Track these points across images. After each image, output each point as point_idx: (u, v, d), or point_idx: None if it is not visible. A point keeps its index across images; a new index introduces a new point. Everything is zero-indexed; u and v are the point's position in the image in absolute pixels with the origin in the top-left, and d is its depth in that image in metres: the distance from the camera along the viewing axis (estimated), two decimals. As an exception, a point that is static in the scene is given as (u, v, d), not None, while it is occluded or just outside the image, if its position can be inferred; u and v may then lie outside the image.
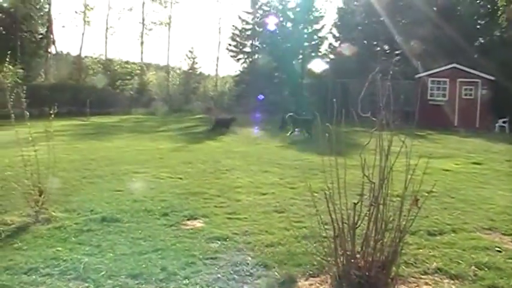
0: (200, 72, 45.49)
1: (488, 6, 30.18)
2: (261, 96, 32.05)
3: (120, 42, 78.71)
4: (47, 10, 38.49)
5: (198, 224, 5.69)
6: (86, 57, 40.76)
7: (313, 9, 37.24)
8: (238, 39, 39.93)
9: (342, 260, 3.80)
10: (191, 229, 5.43)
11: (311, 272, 4.17)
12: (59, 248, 4.66)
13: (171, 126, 22.70)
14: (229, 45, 40.26)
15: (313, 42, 37.47)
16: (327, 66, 30.39)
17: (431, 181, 5.83)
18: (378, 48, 34.12)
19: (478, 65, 24.36)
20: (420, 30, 28.25)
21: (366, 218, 3.77)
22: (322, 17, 37.67)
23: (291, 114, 17.23)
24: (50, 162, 5.92)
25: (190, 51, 44.61)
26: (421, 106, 21.79)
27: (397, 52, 32.33)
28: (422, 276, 4.14)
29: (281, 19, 37.76)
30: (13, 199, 6.49)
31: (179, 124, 24.26)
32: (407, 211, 3.91)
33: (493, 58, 25.29)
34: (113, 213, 5.96)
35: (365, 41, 34.29)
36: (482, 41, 30.21)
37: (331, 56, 36.91)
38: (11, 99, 6.17)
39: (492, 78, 23.23)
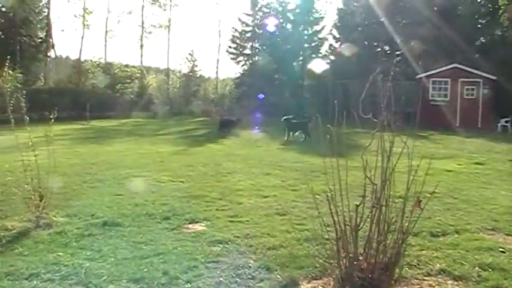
0: (200, 75, 45.50)
1: (489, 5, 30.16)
2: (261, 96, 32.05)
3: (120, 45, 78.90)
4: (46, 14, 38.56)
5: (199, 227, 5.69)
6: (85, 61, 40.77)
7: (313, 10, 37.25)
8: (238, 41, 39.94)
9: (344, 262, 3.80)
10: (193, 233, 5.43)
11: (313, 275, 4.17)
12: (60, 253, 4.66)
13: (172, 130, 22.72)
14: (229, 47, 40.30)
15: (313, 44, 37.47)
16: (327, 67, 30.38)
17: (434, 182, 5.84)
18: (379, 49, 34.09)
19: (480, 64, 24.34)
20: (421, 31, 28.24)
21: (368, 219, 3.77)
22: (322, 18, 37.71)
23: (286, 117, 17.21)
24: (50, 166, 5.93)
25: (190, 54, 44.64)
26: (422, 107, 21.74)
27: (397, 53, 32.34)
28: (426, 278, 4.13)
29: (281, 21, 37.77)
30: (13, 204, 6.49)
31: (180, 127, 24.27)
32: (410, 212, 3.91)
33: (495, 57, 25.28)
34: (114, 217, 5.96)
35: (365, 42, 34.27)
36: (484, 41, 30.19)
37: (332, 57, 36.93)
38: (11, 104, 6.17)
39: (494, 77, 23.22)
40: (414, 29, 29.00)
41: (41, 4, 38.48)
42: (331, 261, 3.96)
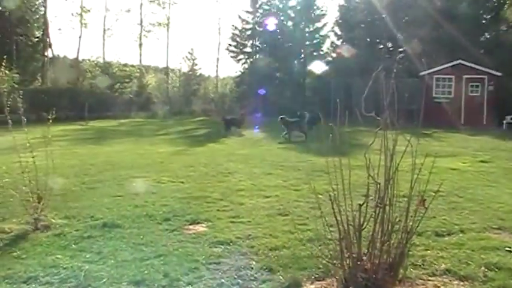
0: (200, 74, 45.54)
1: (494, 0, 30.13)
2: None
3: (118, 44, 78.88)
4: (42, 13, 38.54)
5: (200, 228, 5.69)
6: (83, 60, 40.81)
7: (314, 7, 37.19)
8: (238, 39, 39.90)
9: (348, 262, 3.80)
10: (194, 234, 5.44)
11: (316, 276, 4.17)
12: (59, 256, 4.66)
13: (172, 129, 22.72)
14: (230, 45, 40.25)
15: (314, 41, 37.40)
16: (326, 68, 30.30)
17: (438, 180, 5.82)
18: (381, 46, 34.11)
19: (484, 60, 24.30)
20: (424, 27, 28.21)
21: (372, 219, 3.77)
22: (323, 15, 37.61)
23: (283, 116, 17.34)
24: (49, 168, 5.94)
25: (189, 53, 44.70)
26: (426, 104, 21.60)
27: (400, 50, 32.34)
28: (431, 278, 4.13)
29: (282, 18, 37.74)
30: (11, 206, 6.50)
31: (180, 127, 24.29)
32: (414, 212, 3.91)
33: (500, 53, 25.24)
34: (114, 219, 5.96)
35: (368, 39, 34.24)
36: (488, 36, 30.14)
37: (333, 55, 36.89)
38: (8, 105, 6.18)
39: (499, 74, 23.18)
40: (417, 26, 28.96)
41: (37, 3, 38.41)
42: (335, 261, 3.96)
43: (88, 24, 41.33)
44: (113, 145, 15.26)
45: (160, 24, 43.81)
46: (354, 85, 24.10)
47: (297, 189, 7.86)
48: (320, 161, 9.59)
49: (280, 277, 4.14)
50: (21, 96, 6.25)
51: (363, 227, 3.74)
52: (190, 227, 5.74)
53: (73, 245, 5.02)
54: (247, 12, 39.20)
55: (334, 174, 3.82)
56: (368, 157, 3.69)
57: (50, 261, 4.53)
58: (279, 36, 37.20)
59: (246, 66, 39.61)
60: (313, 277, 4.15)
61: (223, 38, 54.79)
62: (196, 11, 74.11)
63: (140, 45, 43.34)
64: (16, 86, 25.24)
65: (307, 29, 37.21)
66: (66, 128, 21.08)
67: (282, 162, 10.85)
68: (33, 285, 4.01)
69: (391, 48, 34.04)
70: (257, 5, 38.86)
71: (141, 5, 43.15)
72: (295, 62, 36.41)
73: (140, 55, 44.32)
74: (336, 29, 36.81)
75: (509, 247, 4.87)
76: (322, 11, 37.61)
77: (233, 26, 39.96)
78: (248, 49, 39.84)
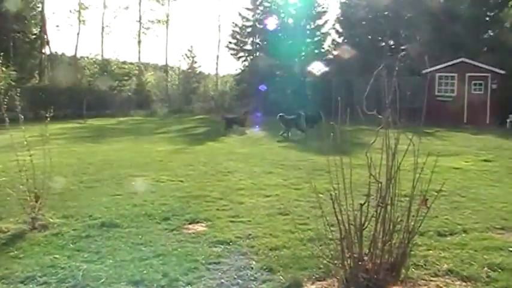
0: (200, 72, 45.52)
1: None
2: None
3: (117, 42, 78.91)
4: (39, 9, 38.49)
5: (200, 228, 5.69)
6: (81, 57, 40.81)
7: (315, 4, 37.15)
8: (238, 36, 39.86)
9: (349, 262, 3.80)
10: (193, 233, 5.44)
11: (317, 276, 4.17)
12: (57, 256, 4.67)
13: (171, 128, 22.73)
14: (230, 43, 40.21)
15: (315, 39, 37.38)
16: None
17: (441, 180, 5.82)
18: (383, 44, 34.07)
19: (488, 58, 24.25)
20: (426, 24, 28.18)
21: (373, 219, 3.77)
22: (324, 12, 37.58)
23: (281, 114, 17.49)
24: (46, 166, 5.94)
25: (189, 50, 44.68)
26: (428, 103, 21.59)
27: (402, 47, 32.33)
28: (433, 279, 4.13)
29: (282, 15, 37.70)
30: (8, 206, 6.49)
31: (179, 125, 24.30)
32: (416, 211, 3.91)
33: (504, 51, 25.14)
34: (112, 218, 5.97)
35: (369, 36, 34.21)
36: (492, 34, 30.08)
37: (334, 53, 36.85)
38: (5, 103, 6.17)
39: (502, 72, 23.14)
40: (419, 23, 28.95)
41: (35, -1, 38.42)
42: (335, 261, 3.96)
43: (86, 21, 41.38)
44: (112, 143, 15.27)
45: (159, 21, 43.83)
46: (355, 83, 24.09)
47: (298, 188, 7.86)
48: (321, 160, 9.59)
49: (281, 277, 4.14)
50: (18, 94, 6.24)
51: (364, 226, 3.74)
52: (190, 226, 5.75)
53: (71, 245, 5.02)
54: (248, 9, 39.16)
55: (335, 173, 3.82)
56: (369, 156, 3.70)
57: (47, 261, 4.53)
58: (280, 34, 37.16)
59: (246, 64, 39.58)
60: (313, 277, 4.15)
61: (223, 35, 54.87)
62: (195, 8, 74.13)
63: (139, 42, 43.36)
64: (13, 83, 25.15)
65: (308, 27, 37.19)
66: (64, 126, 21.07)
67: (282, 161, 10.85)
68: (31, 286, 4.01)
69: (393, 46, 34.02)
70: (257, 2, 38.79)
71: (140, 1, 43.20)
72: (296, 59, 36.36)
73: (139, 52, 44.07)
74: (337, 27, 36.78)
75: (513, 247, 4.87)
76: (323, 8, 37.61)
77: (233, 23, 39.97)
78: (248, 46, 39.81)
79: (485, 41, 29.36)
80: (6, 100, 6.20)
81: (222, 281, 4.09)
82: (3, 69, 26.33)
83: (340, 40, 36.45)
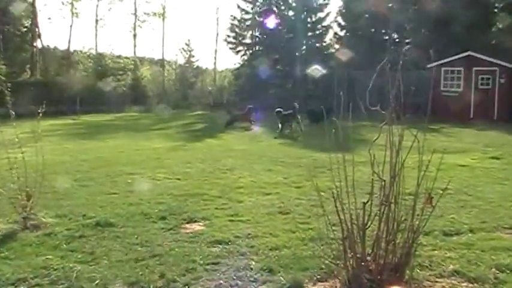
0: (197, 66, 45.49)
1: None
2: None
3: (112, 35, 78.63)
4: (31, 1, 38.36)
5: (198, 227, 5.70)
6: (75, 51, 40.70)
7: (317, -5, 37.09)
8: (237, 30, 39.79)
9: (351, 263, 3.81)
10: (191, 233, 5.45)
11: (319, 277, 4.17)
12: (50, 256, 4.67)
13: (168, 124, 22.71)
14: (228, 36, 40.12)
15: (317, 32, 37.33)
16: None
17: (446, 178, 5.83)
18: (386, 37, 34.00)
19: (496, 52, 24.17)
20: (432, 16, 28.11)
21: (377, 218, 3.78)
22: (326, 4, 37.44)
23: (279, 110, 17.71)
24: (38, 164, 5.92)
25: (186, 44, 44.62)
26: (433, 98, 21.58)
27: (407, 41, 32.26)
28: (438, 280, 4.13)
29: (282, 8, 37.64)
30: (-1, 205, 6.50)
31: (176, 121, 24.27)
32: (421, 210, 3.91)
33: (512, 44, 25.09)
34: (107, 217, 5.97)
35: (372, 30, 34.15)
36: (500, 26, 30.04)
37: (336, 46, 36.80)
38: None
39: (511, 66, 23.10)
40: (425, 15, 28.88)
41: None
42: (338, 262, 3.97)
43: (79, 13, 41.13)
44: (106, 140, 15.26)
45: (155, 14, 43.70)
46: (357, 78, 24.06)
47: (299, 186, 7.87)
48: (322, 157, 9.60)
49: (281, 278, 4.15)
50: (9, 89, 6.26)
51: (367, 226, 3.74)
52: (187, 225, 5.76)
53: (64, 245, 5.03)
54: (247, 1, 39.06)
55: (337, 170, 3.83)
56: (372, 153, 3.69)
57: (39, 262, 4.53)
58: (280, 27, 37.11)
59: (245, 58, 39.53)
60: (315, 278, 4.16)
61: (221, 28, 54.72)
62: (193, 0, 73.85)
63: (134, 36, 43.22)
64: (3, 78, 25.13)
65: (309, 19, 37.11)
66: (56, 123, 21.07)
67: (282, 158, 10.86)
68: None
69: (397, 39, 33.95)
70: (257, -6, 38.71)
71: (135, -6, 43.03)
72: (297, 53, 36.31)
73: (134, 46, 44.00)
74: (339, 19, 36.70)
75: (521, 247, 4.88)
76: (324, 0, 37.53)
77: (232, 16, 39.84)
78: (247, 40, 39.74)
79: (493, 33, 29.30)
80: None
81: (221, 282, 4.10)
82: (-7, 63, 26.32)
83: (342, 33, 36.42)
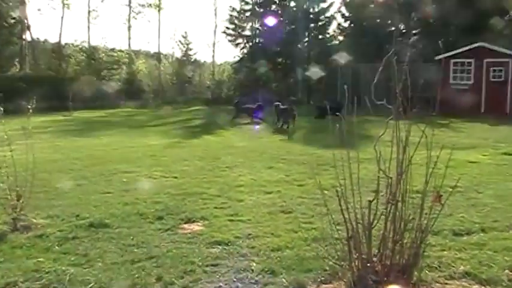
0: (195, 60, 45.50)
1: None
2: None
3: (105, 27, 78.72)
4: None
5: (196, 227, 5.70)
6: (66, 44, 40.65)
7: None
8: (236, 21, 39.74)
9: (356, 264, 3.81)
10: (189, 233, 5.45)
11: (322, 278, 4.17)
12: (41, 259, 4.67)
13: (164, 120, 22.73)
14: (227, 28, 40.08)
15: (319, 23, 37.28)
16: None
17: (456, 175, 5.84)
18: (393, 28, 33.95)
19: (509, 42, 24.08)
20: (440, 6, 28.06)
21: (383, 217, 3.77)
22: (329, -7, 37.47)
23: (277, 103, 18.22)
24: (29, 162, 5.93)
25: (183, 36, 44.59)
26: (442, 91, 21.65)
27: (414, 31, 32.22)
28: (448, 282, 4.13)
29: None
30: (-13, 205, 6.50)
31: (173, 117, 24.29)
32: (429, 209, 3.91)
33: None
34: (102, 218, 5.97)
35: (378, 20, 34.09)
36: (513, 14, 29.99)
37: (340, 38, 36.77)
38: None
39: (525, 57, 23.04)
40: (433, 4, 28.81)
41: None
42: (342, 263, 3.97)
43: (71, 4, 41.04)
44: (100, 137, 15.27)
45: (150, 5, 43.65)
46: (362, 71, 24.05)
47: (301, 184, 7.88)
48: (326, 154, 9.61)
49: (283, 280, 4.15)
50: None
51: (373, 225, 3.74)
52: (185, 226, 5.76)
53: (56, 247, 5.03)
54: (246, -9, 39.02)
55: (341, 168, 3.83)
56: (378, 149, 3.69)
57: (30, 265, 4.53)
58: (281, 18, 37.05)
59: (245, 51, 39.48)
60: (318, 280, 4.16)
61: (220, 20, 54.58)
62: (190, -10, 73.61)
63: (129, 28, 43.21)
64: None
65: (311, 10, 37.06)
66: (47, 119, 21.07)
67: (284, 155, 10.86)
68: (13, 291, 4.03)
69: (403, 30, 33.89)
70: (257, -17, 38.65)
71: (130, -17, 42.98)
72: (299, 46, 36.27)
73: (129, 39, 43.88)
74: (343, 10, 36.65)
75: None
76: (328, -11, 37.45)
77: (231, 6, 39.80)
78: (247, 32, 39.69)
79: (506, 23, 29.19)
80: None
81: (220, 284, 4.10)
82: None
83: (346, 24, 36.38)
